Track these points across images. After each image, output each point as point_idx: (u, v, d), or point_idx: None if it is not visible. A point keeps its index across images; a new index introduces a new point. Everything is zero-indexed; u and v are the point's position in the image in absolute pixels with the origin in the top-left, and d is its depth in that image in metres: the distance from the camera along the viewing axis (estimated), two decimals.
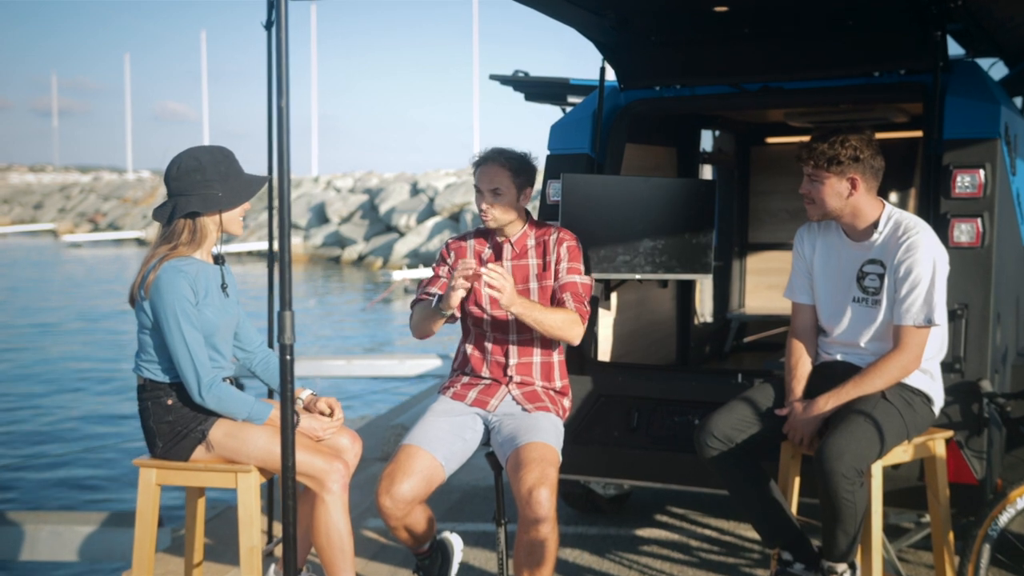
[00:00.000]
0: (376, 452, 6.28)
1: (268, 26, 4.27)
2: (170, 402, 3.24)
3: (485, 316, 3.66)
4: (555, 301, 3.62)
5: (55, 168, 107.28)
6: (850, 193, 3.43)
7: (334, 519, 3.27)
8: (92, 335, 17.30)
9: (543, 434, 3.48)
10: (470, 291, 3.65)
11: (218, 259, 3.38)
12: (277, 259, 2.69)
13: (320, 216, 36.15)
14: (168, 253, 3.20)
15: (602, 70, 4.53)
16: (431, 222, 31.46)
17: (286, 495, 2.22)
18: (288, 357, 2.16)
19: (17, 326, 18.70)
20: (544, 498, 3.26)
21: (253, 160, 3.29)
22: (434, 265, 3.82)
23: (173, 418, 3.24)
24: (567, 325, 3.51)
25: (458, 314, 3.63)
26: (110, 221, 48.76)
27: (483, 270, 3.29)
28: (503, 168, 3.59)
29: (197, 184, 3.19)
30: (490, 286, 3.29)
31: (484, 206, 3.60)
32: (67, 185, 66.71)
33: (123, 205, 50.93)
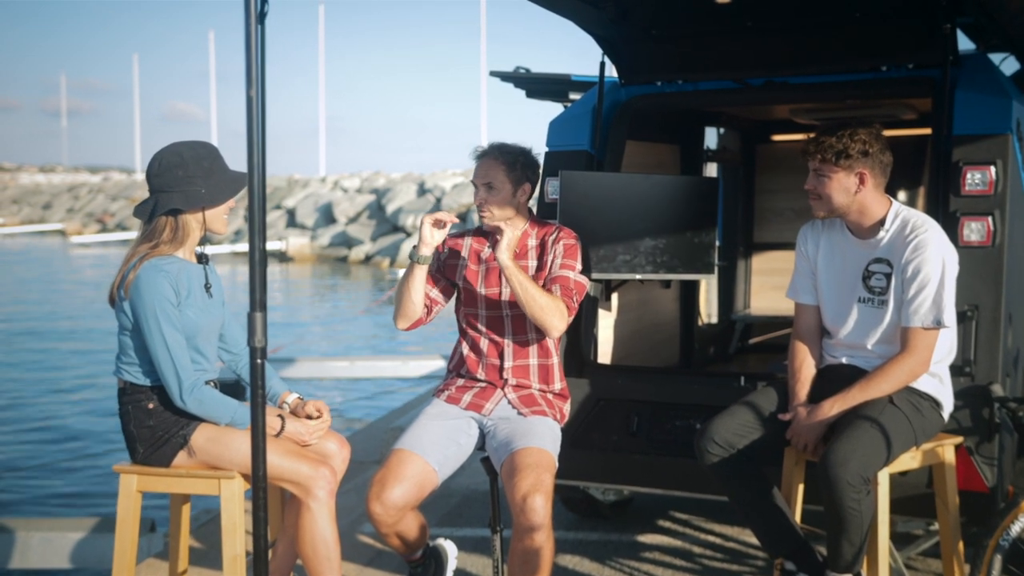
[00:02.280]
0: (374, 455, 6.19)
1: (261, 18, 4.18)
2: (151, 406, 3.15)
3: (481, 316, 3.56)
4: None
5: (64, 168, 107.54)
6: (858, 189, 3.33)
7: (320, 527, 3.17)
8: (94, 334, 17.24)
9: (539, 439, 3.38)
10: (466, 292, 3.56)
11: (202, 258, 3.28)
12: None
13: (327, 216, 36.14)
14: (149, 252, 3.11)
15: (602, 65, 4.43)
16: None
17: (256, 506, 2.13)
18: (259, 360, 2.06)
19: (18, 322, 18.67)
20: (539, 505, 3.16)
21: None
22: None
23: (154, 422, 3.15)
24: (550, 308, 3.38)
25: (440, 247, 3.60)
26: (118, 221, 48.79)
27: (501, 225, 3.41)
28: (497, 162, 3.52)
29: (179, 180, 3.10)
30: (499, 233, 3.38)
31: (478, 201, 3.54)
32: (76, 185, 66.88)
33: (131, 205, 50.91)
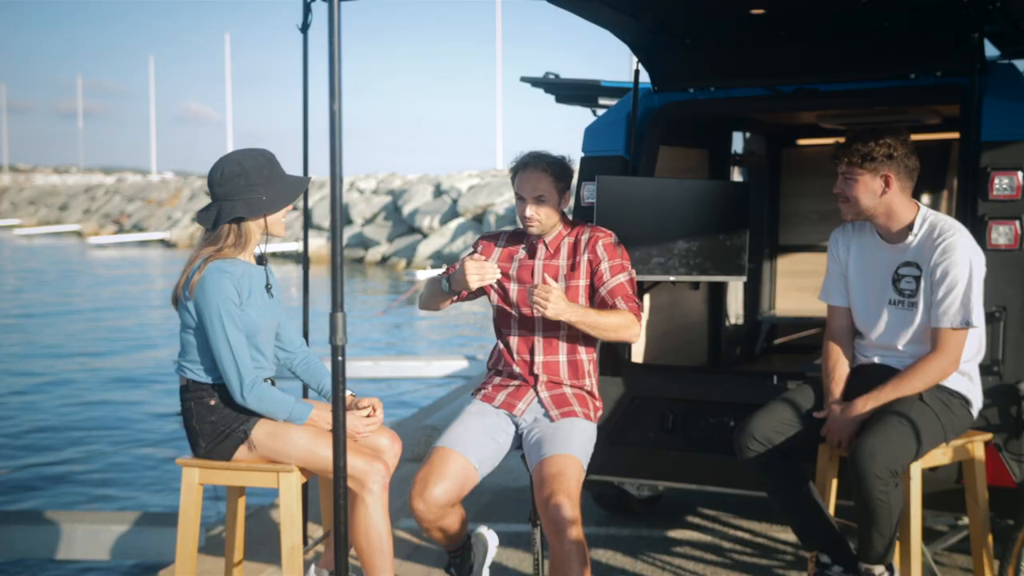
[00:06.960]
0: (406, 453, 6.23)
1: (304, 29, 4.31)
2: (213, 402, 3.28)
3: (513, 313, 3.64)
4: (604, 306, 3.55)
5: (80, 169, 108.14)
6: (883, 191, 3.43)
7: (374, 519, 3.29)
8: (129, 334, 17.41)
9: (566, 445, 3.43)
10: (499, 291, 3.65)
11: (261, 260, 3.41)
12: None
13: (343, 217, 36.19)
14: (213, 254, 3.24)
15: (636, 72, 4.53)
16: (454, 223, 31.46)
17: (337, 495, 2.25)
18: (340, 358, 2.19)
19: (51, 323, 18.81)
20: (565, 508, 3.22)
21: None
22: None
23: (216, 418, 3.27)
24: (623, 327, 3.49)
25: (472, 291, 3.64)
26: (135, 222, 49.01)
27: (531, 290, 3.35)
28: (546, 173, 3.53)
29: (241, 189, 3.23)
30: (538, 304, 3.32)
31: (529, 212, 3.53)
32: (92, 186, 67.13)
33: (147, 206, 51.19)
